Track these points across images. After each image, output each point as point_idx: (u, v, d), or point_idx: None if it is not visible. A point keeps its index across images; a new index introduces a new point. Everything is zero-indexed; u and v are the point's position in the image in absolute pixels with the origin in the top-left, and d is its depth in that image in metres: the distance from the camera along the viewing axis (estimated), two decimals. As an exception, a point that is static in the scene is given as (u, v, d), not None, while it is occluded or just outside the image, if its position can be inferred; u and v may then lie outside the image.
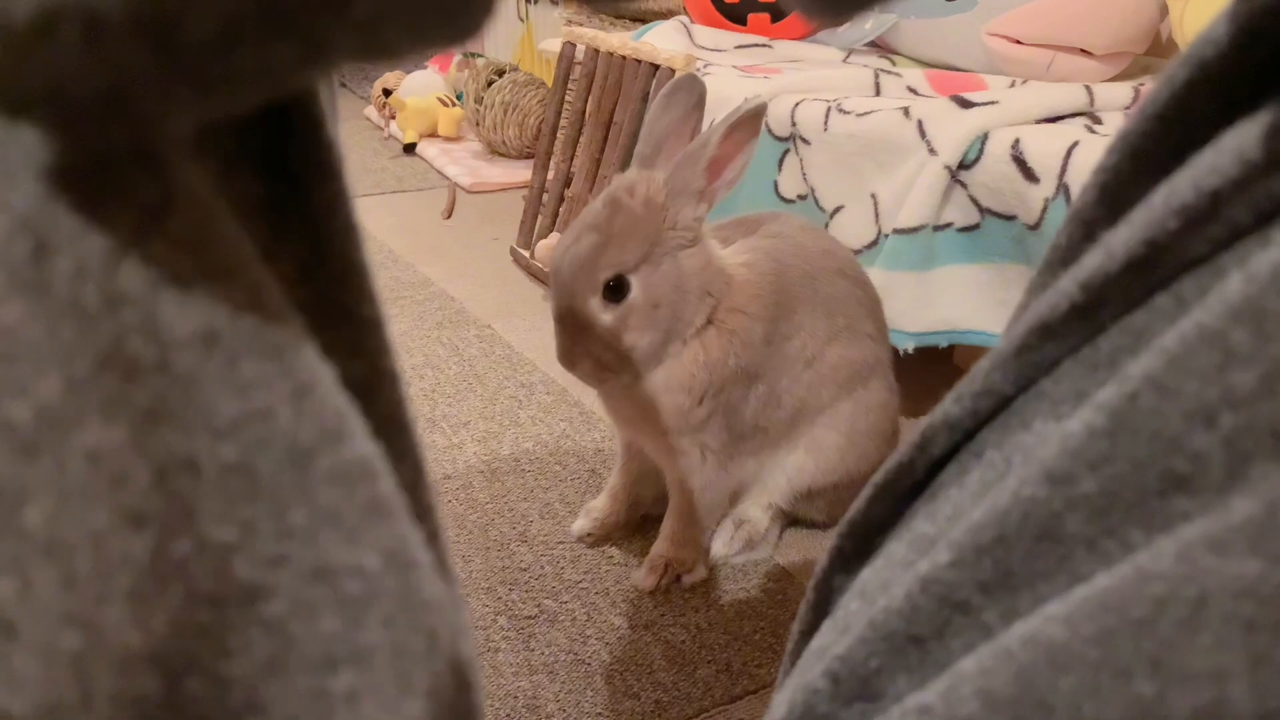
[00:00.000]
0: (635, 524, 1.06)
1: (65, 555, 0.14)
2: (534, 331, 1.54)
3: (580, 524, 1.04)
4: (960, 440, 0.28)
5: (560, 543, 1.04)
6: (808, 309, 0.92)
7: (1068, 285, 0.25)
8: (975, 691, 0.22)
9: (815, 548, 1.05)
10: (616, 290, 0.83)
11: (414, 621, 0.18)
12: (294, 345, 0.17)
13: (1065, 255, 0.28)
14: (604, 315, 0.83)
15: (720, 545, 1.00)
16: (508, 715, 0.82)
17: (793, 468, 0.97)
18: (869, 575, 0.30)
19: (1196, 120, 0.24)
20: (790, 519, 1.05)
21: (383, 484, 0.18)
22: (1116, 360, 0.24)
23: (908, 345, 1.14)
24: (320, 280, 0.21)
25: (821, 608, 0.33)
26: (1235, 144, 0.21)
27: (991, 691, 0.21)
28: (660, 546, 0.98)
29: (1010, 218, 1.05)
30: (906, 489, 0.30)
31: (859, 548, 0.31)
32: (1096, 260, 0.24)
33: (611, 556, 1.02)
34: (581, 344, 0.84)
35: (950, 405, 0.28)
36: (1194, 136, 0.23)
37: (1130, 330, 0.24)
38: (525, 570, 1.00)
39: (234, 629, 0.16)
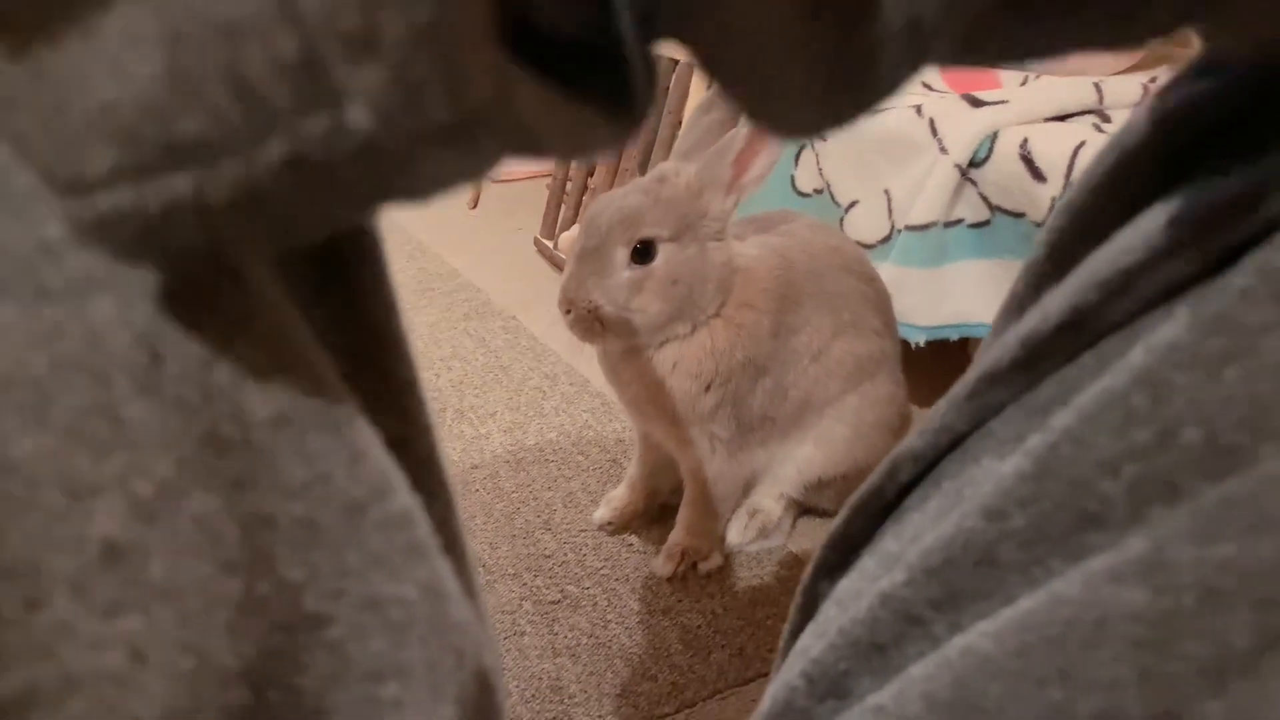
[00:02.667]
0: (654, 513, 1.10)
1: (179, 598, 0.18)
2: (558, 323, 1.58)
3: (601, 513, 1.08)
4: (923, 470, 0.32)
5: (582, 531, 1.09)
6: (814, 304, 0.96)
7: (1011, 340, 0.28)
8: (920, 694, 0.26)
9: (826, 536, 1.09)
10: (644, 253, 0.87)
11: (445, 641, 0.22)
12: (348, 420, 0.21)
13: (1020, 303, 0.32)
14: (624, 271, 0.87)
15: (735, 534, 1.04)
16: (533, 695, 0.87)
17: (802, 459, 1.01)
18: (845, 585, 0.34)
19: (1124, 197, 0.27)
20: (802, 508, 1.09)
21: (420, 530, 0.22)
22: (1049, 408, 0.27)
23: (919, 339, 1.17)
24: (364, 350, 0.25)
25: (807, 611, 0.36)
26: (1145, 228, 0.25)
27: (933, 695, 0.25)
28: (677, 535, 1.02)
29: (1019, 215, 1.08)
30: (879, 510, 0.33)
31: (839, 559, 0.35)
32: (1035, 320, 0.28)
33: (631, 544, 1.07)
34: (586, 288, 0.88)
35: (915, 439, 0.32)
36: (1124, 210, 0.27)
37: (1062, 382, 0.27)
38: (549, 557, 1.05)
39: (304, 650, 0.21)
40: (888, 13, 0.17)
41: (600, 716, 0.84)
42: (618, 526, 1.08)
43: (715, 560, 1.02)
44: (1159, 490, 0.23)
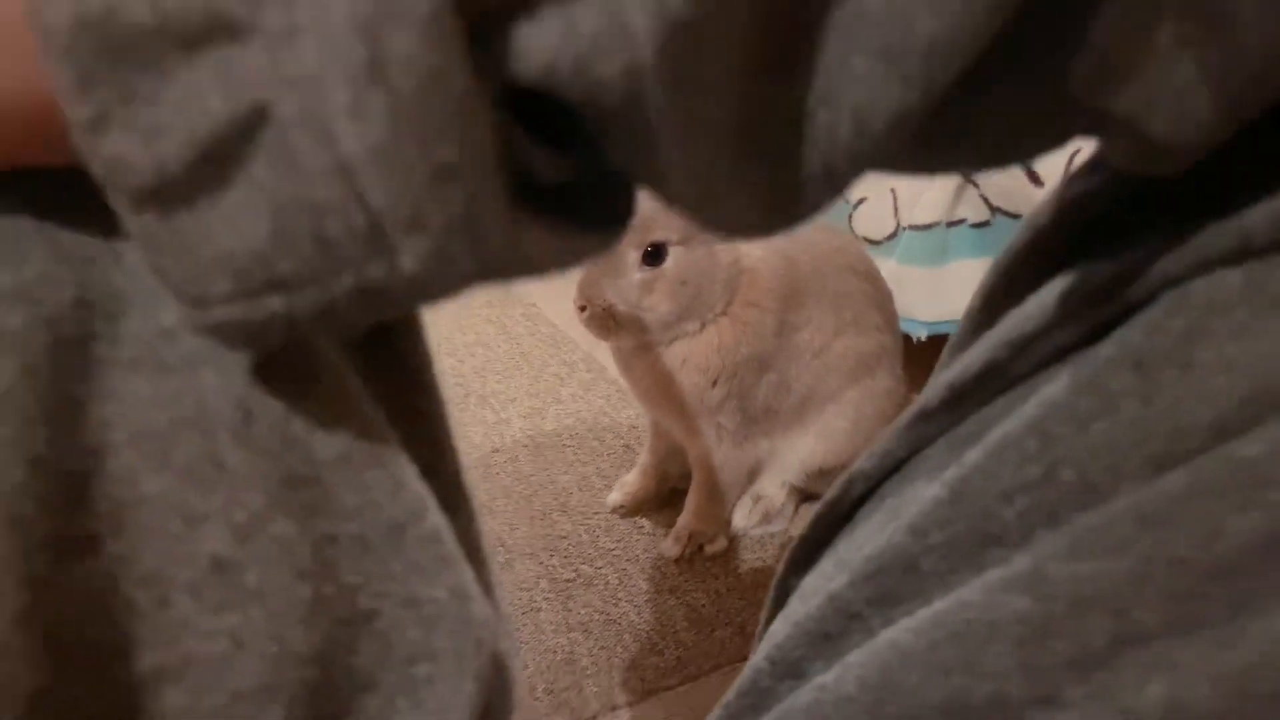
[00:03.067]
0: (664, 497, 1.16)
1: (267, 599, 0.24)
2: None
3: (614, 497, 1.15)
4: (873, 487, 0.37)
5: (596, 513, 1.15)
6: (817, 303, 1.01)
7: (942, 382, 0.34)
8: (855, 677, 0.31)
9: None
10: (655, 255, 0.92)
11: (468, 632, 0.27)
12: (392, 456, 0.27)
13: (959, 344, 0.37)
14: (636, 272, 0.93)
15: (740, 518, 1.10)
16: (548, 667, 0.94)
17: (804, 449, 1.06)
18: (808, 581, 0.39)
19: (1034, 269, 0.32)
20: (804, 495, 1.15)
21: (447, 544, 0.28)
22: (969, 442, 0.32)
23: (921, 334, 1.22)
24: (403, 397, 0.30)
25: (779, 602, 0.42)
26: (1043, 299, 0.30)
27: (864, 678, 0.31)
28: (685, 519, 1.08)
29: (1018, 216, 1.12)
30: (837, 518, 0.39)
31: (805, 559, 0.41)
32: (960, 368, 0.33)
33: (642, 527, 1.13)
34: (600, 288, 0.93)
35: (865, 460, 0.37)
36: (1033, 280, 0.32)
37: (979, 421, 0.32)
38: (565, 538, 1.11)
39: (358, 638, 0.26)
40: (806, 164, 0.22)
41: (610, 688, 0.91)
42: (629, 510, 1.14)
43: (721, 543, 1.08)
44: (1043, 517, 0.28)
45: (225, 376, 0.24)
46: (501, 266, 0.21)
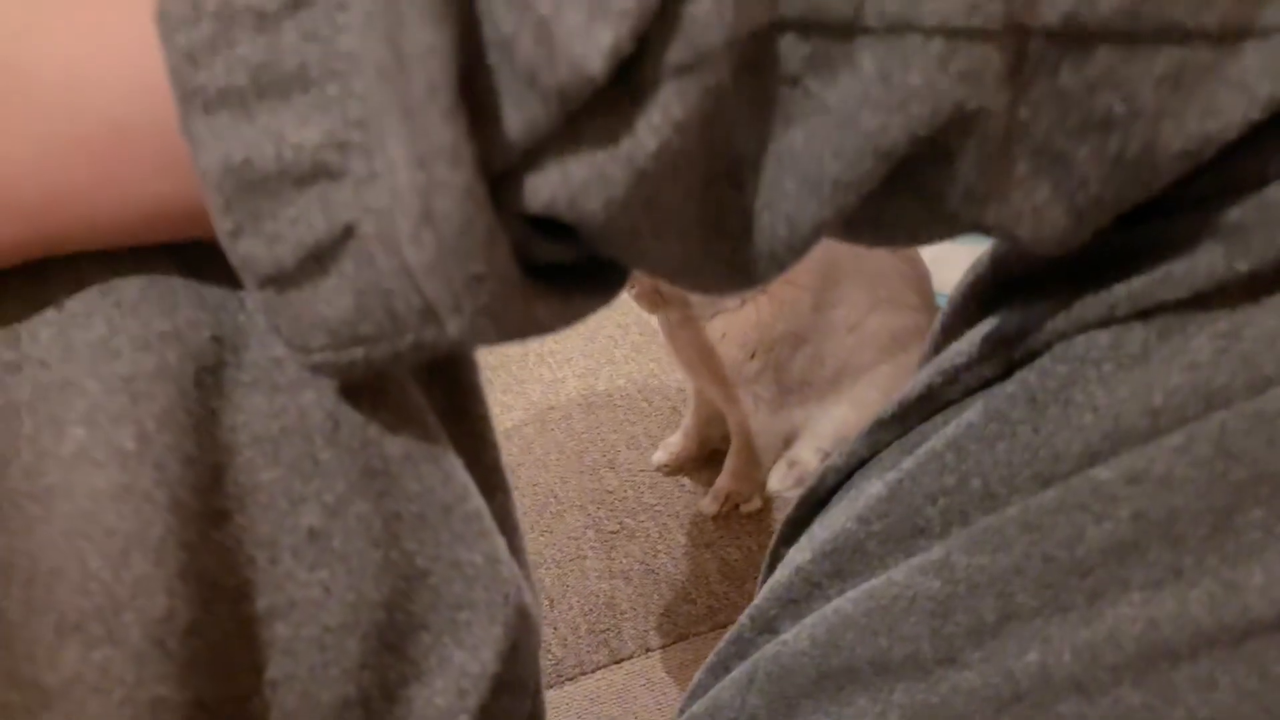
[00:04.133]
0: (705, 458, 1.24)
1: (349, 560, 0.33)
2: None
3: (659, 456, 1.23)
4: (842, 479, 0.44)
5: (642, 470, 1.23)
6: (852, 281, 1.07)
7: (896, 399, 0.40)
8: (808, 635, 0.39)
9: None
10: None
11: (498, 588, 0.35)
12: (444, 452, 0.35)
13: (922, 361, 0.44)
14: None
15: (775, 481, 1.18)
16: (590, 609, 1.03)
17: (838, 418, 1.13)
18: (791, 554, 0.47)
19: (973, 307, 0.39)
20: (838, 460, 1.22)
21: (485, 520, 0.36)
22: (909, 450, 0.39)
23: (959, 308, 1.26)
24: (452, 399, 0.38)
25: (770, 569, 0.50)
26: (972, 337, 0.36)
27: (815, 636, 0.38)
28: (723, 479, 1.16)
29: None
30: (816, 503, 0.46)
31: (791, 535, 0.48)
32: (909, 388, 0.39)
33: (683, 485, 1.21)
34: None
35: (837, 458, 0.44)
36: (972, 318, 0.38)
37: (920, 434, 0.39)
38: (611, 493, 1.20)
39: (415, 589, 0.35)
40: (757, 246, 0.29)
41: (645, 631, 1.00)
42: (672, 469, 1.22)
43: (755, 503, 1.16)
44: (957, 516, 0.35)
45: (320, 395, 0.32)
46: (520, 330, 0.28)
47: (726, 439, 1.19)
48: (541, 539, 1.11)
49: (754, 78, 0.25)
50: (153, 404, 0.30)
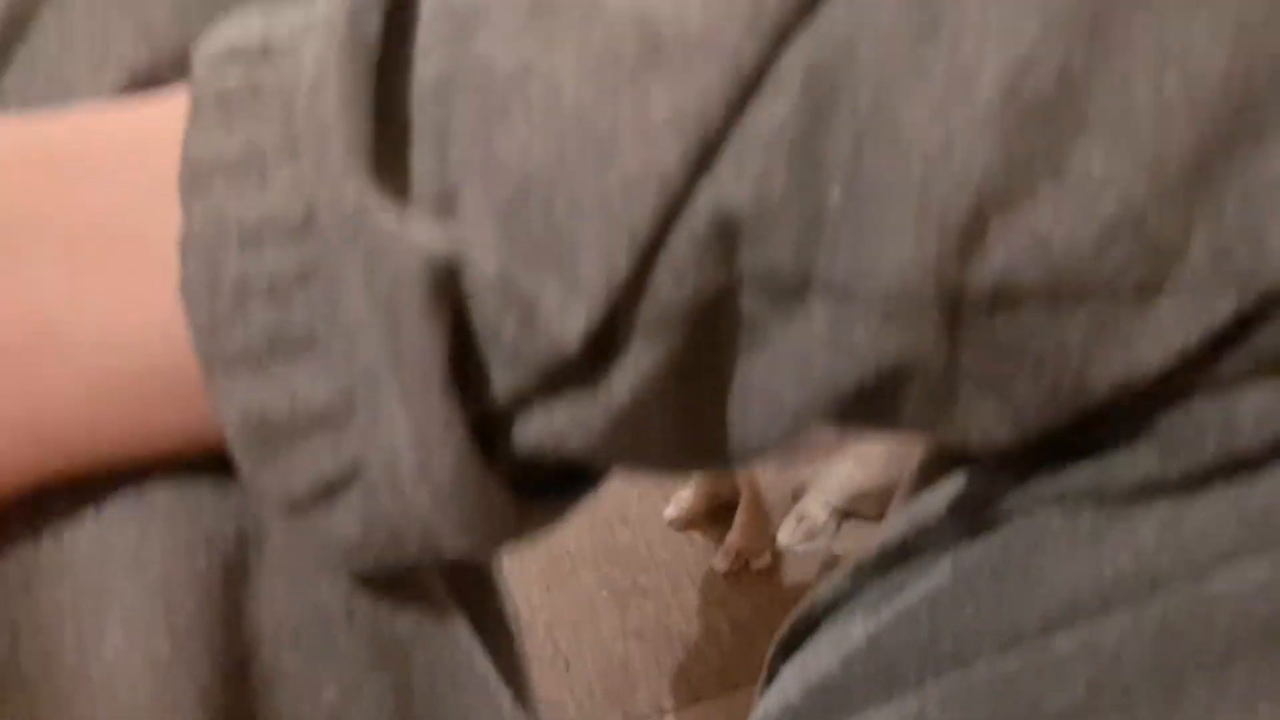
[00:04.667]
0: (715, 513, 1.26)
1: (364, 701, 0.35)
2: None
3: (670, 511, 1.25)
4: (829, 609, 0.47)
5: (653, 524, 1.26)
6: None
7: (876, 544, 0.43)
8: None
9: (868, 539, 1.23)
10: None
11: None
12: (451, 620, 0.38)
13: (905, 495, 0.46)
14: None
15: (784, 536, 1.20)
16: (605, 671, 1.05)
17: (844, 474, 1.15)
18: (785, 677, 0.49)
19: (948, 460, 0.41)
20: (846, 513, 1.24)
21: (491, 681, 0.38)
22: (889, 595, 0.42)
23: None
24: (459, 571, 0.41)
25: (770, 681, 0.52)
26: (942, 494, 0.39)
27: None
28: (734, 535, 1.18)
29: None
30: (805, 629, 0.48)
31: (787, 652, 0.51)
32: (887, 534, 0.42)
33: (694, 540, 1.23)
34: None
35: (824, 590, 0.46)
36: (949, 467, 0.41)
37: (900, 580, 0.42)
38: (624, 548, 1.22)
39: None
40: (732, 447, 0.31)
41: (659, 693, 1.02)
42: (684, 523, 1.25)
43: (765, 558, 1.18)
44: (930, 671, 0.38)
45: (336, 584, 0.35)
46: (518, 539, 0.31)
47: (736, 492, 1.22)
48: (557, 598, 1.14)
49: (718, 322, 0.28)
50: (185, 607, 0.32)
